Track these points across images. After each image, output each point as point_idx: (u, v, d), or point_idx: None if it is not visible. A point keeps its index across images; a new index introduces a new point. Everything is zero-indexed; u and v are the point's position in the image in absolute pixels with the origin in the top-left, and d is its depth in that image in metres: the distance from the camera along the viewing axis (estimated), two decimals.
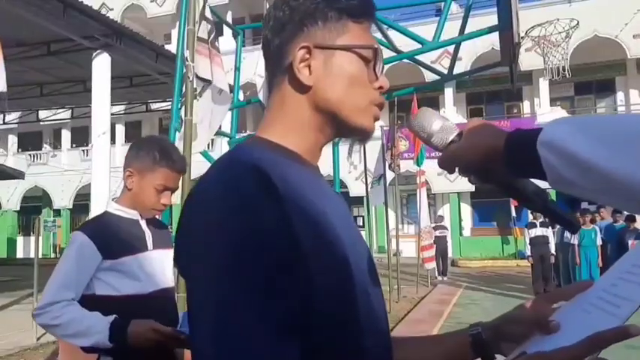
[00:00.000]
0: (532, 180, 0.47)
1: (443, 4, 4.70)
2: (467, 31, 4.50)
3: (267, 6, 3.87)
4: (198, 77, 2.35)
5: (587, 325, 0.40)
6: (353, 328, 0.41)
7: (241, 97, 6.19)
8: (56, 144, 17.61)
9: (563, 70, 9.10)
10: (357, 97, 0.46)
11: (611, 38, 11.85)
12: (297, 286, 0.37)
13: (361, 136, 0.48)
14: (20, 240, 17.16)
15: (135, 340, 0.96)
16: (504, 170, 0.45)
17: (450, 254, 12.57)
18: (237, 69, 5.34)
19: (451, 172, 0.49)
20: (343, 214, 0.47)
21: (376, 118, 0.48)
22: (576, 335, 0.39)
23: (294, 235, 0.38)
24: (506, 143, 0.43)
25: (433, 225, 8.66)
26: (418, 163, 6.71)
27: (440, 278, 8.65)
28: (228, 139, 5.62)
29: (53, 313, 0.98)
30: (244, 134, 11.24)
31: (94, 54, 6.91)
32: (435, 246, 7.79)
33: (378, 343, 0.44)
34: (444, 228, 9.37)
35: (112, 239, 1.04)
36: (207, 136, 2.57)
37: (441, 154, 0.50)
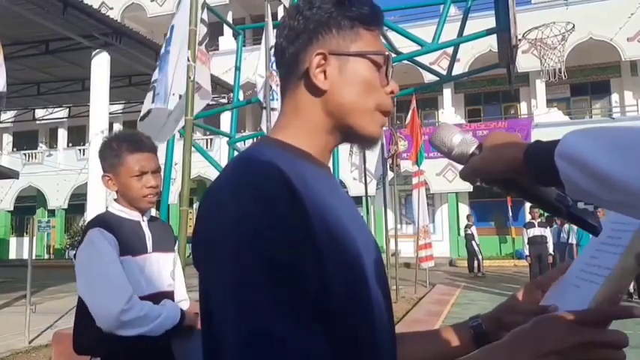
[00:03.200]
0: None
1: (442, 6, 4.74)
2: (465, 33, 4.55)
3: (268, 7, 3.89)
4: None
5: (580, 297, 0.42)
6: (366, 319, 0.42)
7: (241, 96, 6.19)
8: (52, 143, 17.46)
9: (560, 72, 9.19)
10: (369, 101, 0.48)
11: (606, 41, 11.99)
12: (313, 277, 0.38)
13: (367, 143, 0.50)
14: (13, 241, 16.94)
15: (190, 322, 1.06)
16: (525, 180, 0.46)
17: (448, 254, 12.72)
18: (237, 69, 5.35)
19: (473, 183, 0.51)
20: (354, 212, 0.48)
21: (382, 125, 0.50)
22: (573, 308, 0.41)
23: (309, 227, 0.39)
24: (525, 155, 0.45)
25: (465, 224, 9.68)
26: (418, 163, 6.75)
27: (473, 274, 9.14)
28: (227, 138, 5.63)
29: (137, 307, 0.98)
30: (244, 134, 11.22)
31: (93, 53, 6.88)
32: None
33: (385, 338, 0.45)
34: (469, 227, 9.86)
35: (118, 237, 1.04)
36: (174, 127, 2.62)
37: (462, 166, 0.52)
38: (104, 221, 1.07)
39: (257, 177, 0.40)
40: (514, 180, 0.48)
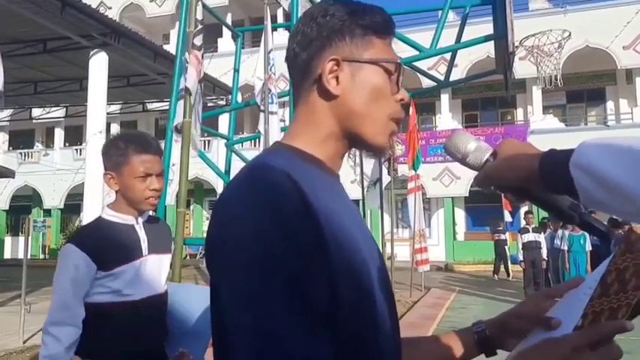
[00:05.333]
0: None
1: (440, 12, 4.79)
2: (463, 39, 4.59)
3: (267, 10, 3.92)
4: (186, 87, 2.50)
5: (579, 310, 0.43)
6: (371, 327, 0.43)
7: (239, 98, 6.20)
8: (49, 143, 17.37)
9: (556, 79, 9.28)
10: (380, 109, 0.48)
11: (602, 49, 12.12)
12: (322, 286, 0.39)
13: (375, 151, 0.50)
14: (8, 240, 16.78)
15: None
16: (539, 188, 0.47)
17: (444, 258, 12.73)
18: (236, 71, 5.36)
19: (487, 189, 0.52)
20: (359, 220, 0.49)
21: (393, 133, 0.50)
22: (572, 320, 0.43)
23: (319, 237, 0.40)
24: (540, 164, 0.45)
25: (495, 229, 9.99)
26: (415, 167, 6.78)
27: (496, 277, 9.35)
28: (225, 140, 5.62)
29: (55, 338, 0.96)
30: (242, 135, 11.21)
31: (91, 53, 6.87)
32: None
33: (388, 345, 0.46)
34: (502, 232, 9.99)
35: (106, 250, 1.02)
36: (198, 138, 2.75)
37: (477, 173, 0.52)
38: (87, 236, 1.05)
39: (269, 187, 0.41)
40: (527, 187, 0.48)
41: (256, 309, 0.38)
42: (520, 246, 6.96)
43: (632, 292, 0.41)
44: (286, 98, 5.13)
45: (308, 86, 0.49)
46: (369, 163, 6.74)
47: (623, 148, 0.40)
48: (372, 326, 0.43)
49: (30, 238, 4.76)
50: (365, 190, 6.39)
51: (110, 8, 14.95)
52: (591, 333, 0.41)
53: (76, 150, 15.86)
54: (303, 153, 0.47)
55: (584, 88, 13.49)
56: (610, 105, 13.47)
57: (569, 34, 9.29)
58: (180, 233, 2.21)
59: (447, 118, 13.56)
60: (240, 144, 8.23)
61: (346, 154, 0.53)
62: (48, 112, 13.83)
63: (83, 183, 6.88)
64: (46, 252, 15.41)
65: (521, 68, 11.32)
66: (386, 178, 6.75)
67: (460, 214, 13.58)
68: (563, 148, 0.46)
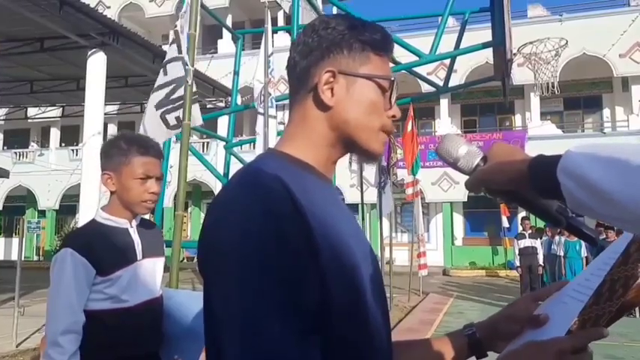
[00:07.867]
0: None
1: (440, 18, 4.82)
2: (463, 44, 4.61)
3: (268, 13, 3.91)
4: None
5: (566, 314, 0.45)
6: (363, 331, 0.44)
7: (239, 101, 6.19)
8: (44, 142, 17.24)
9: (553, 86, 9.38)
10: (372, 122, 0.50)
11: (598, 57, 12.26)
12: (314, 292, 0.40)
13: (369, 158, 0.52)
14: (2, 241, 16.60)
15: None
16: (528, 191, 0.48)
17: (442, 263, 12.74)
18: (236, 73, 5.34)
19: (477, 192, 0.54)
20: (354, 225, 0.50)
21: (384, 143, 0.53)
22: (560, 324, 0.45)
23: (314, 244, 0.41)
24: (529, 168, 0.46)
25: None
26: (413, 172, 6.79)
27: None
28: (224, 143, 5.59)
29: (62, 348, 0.93)
30: (241, 138, 11.18)
31: (89, 52, 6.83)
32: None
33: (381, 350, 0.46)
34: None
35: (102, 254, 1.01)
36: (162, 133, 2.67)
37: (467, 177, 0.54)
38: (82, 240, 1.03)
39: (262, 192, 0.42)
40: (517, 191, 0.50)
41: (247, 313, 0.38)
42: (517, 251, 6.99)
43: (615, 301, 0.42)
44: (287, 101, 5.13)
45: (304, 94, 0.51)
46: (369, 168, 6.73)
47: (608, 153, 0.40)
48: (364, 330, 0.44)
49: (24, 239, 4.71)
50: (376, 195, 6.37)
51: (109, 7, 14.92)
52: (577, 339, 0.43)
53: (72, 150, 15.75)
54: (295, 159, 0.49)
55: (581, 95, 13.64)
56: (606, 112, 13.62)
57: (567, 42, 9.41)
58: (178, 236, 2.18)
59: (446, 123, 13.63)
60: (239, 146, 8.20)
61: (347, 160, 0.54)
62: (44, 112, 13.74)
63: (79, 184, 6.81)
64: (41, 254, 15.23)
65: (520, 75, 11.41)
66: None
67: (458, 219, 13.61)
68: (557, 153, 0.47)
